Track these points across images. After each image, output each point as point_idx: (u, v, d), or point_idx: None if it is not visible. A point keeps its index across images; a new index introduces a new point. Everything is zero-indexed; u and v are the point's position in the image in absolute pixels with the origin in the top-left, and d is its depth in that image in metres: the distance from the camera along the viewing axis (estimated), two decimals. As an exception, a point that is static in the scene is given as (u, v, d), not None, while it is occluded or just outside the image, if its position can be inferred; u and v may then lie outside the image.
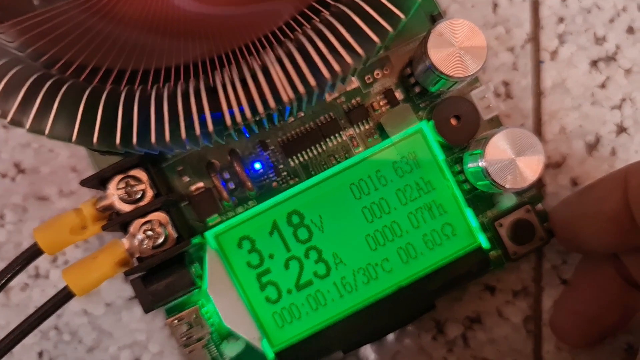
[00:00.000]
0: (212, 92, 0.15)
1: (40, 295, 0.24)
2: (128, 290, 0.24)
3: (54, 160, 0.24)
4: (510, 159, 0.20)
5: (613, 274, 0.21)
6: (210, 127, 0.15)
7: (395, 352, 0.24)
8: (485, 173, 0.20)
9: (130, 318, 0.24)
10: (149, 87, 0.15)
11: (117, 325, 0.24)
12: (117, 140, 0.15)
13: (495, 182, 0.20)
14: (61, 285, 0.20)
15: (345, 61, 0.15)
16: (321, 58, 0.15)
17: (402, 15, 0.15)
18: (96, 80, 0.16)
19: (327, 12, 0.16)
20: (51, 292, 0.20)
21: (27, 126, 0.15)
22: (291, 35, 0.16)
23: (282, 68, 0.15)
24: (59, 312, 0.23)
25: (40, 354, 0.24)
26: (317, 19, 0.16)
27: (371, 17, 0.15)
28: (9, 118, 0.15)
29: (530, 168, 0.20)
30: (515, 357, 0.24)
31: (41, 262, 0.24)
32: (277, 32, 0.16)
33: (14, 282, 0.23)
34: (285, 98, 0.15)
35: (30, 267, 0.23)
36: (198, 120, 0.15)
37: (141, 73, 0.16)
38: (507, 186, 0.20)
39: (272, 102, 0.15)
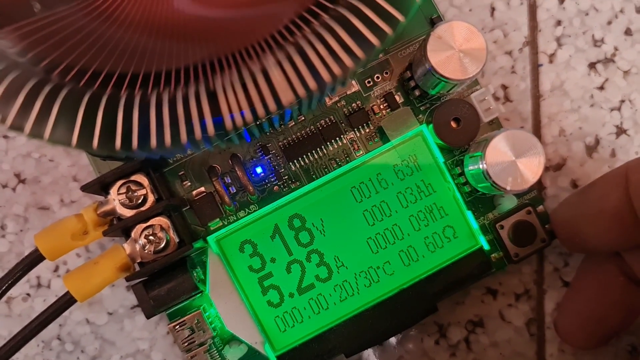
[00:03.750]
0: (212, 96, 0.15)
1: (42, 305, 0.23)
2: (130, 299, 0.24)
3: (54, 170, 0.24)
4: (511, 160, 0.20)
5: (616, 273, 0.21)
6: (211, 131, 0.15)
7: (399, 357, 0.24)
8: (485, 175, 0.20)
9: (132, 326, 0.24)
10: (149, 91, 0.15)
11: (120, 334, 0.24)
12: (118, 145, 0.15)
13: (495, 184, 0.20)
14: (63, 295, 0.20)
15: (344, 64, 0.15)
16: (321, 61, 0.15)
17: (401, 18, 0.15)
18: (96, 84, 0.16)
19: (326, 15, 0.16)
20: (53, 302, 0.20)
21: (27, 131, 0.15)
22: (291, 39, 0.16)
23: (282, 71, 0.15)
24: (61, 321, 0.23)
25: (43, 364, 0.24)
26: (317, 22, 0.16)
27: (370, 20, 0.15)
28: (8, 123, 0.15)
29: (530, 169, 0.20)
30: (518, 361, 0.24)
31: (43, 271, 0.24)
32: (277, 35, 0.16)
33: (16, 293, 0.23)
34: (285, 101, 0.15)
35: (32, 277, 0.24)
36: (199, 124, 0.15)
37: (141, 77, 0.16)
38: (508, 188, 0.20)
39: (272, 105, 0.15)
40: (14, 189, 0.24)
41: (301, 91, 0.15)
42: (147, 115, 0.15)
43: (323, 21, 0.16)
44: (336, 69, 0.15)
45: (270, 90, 0.15)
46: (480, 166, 0.20)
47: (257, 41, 0.16)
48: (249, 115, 0.15)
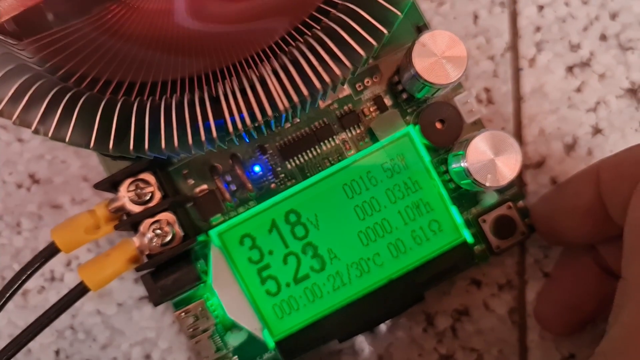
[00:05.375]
0: (215, 102, 0.17)
1: (56, 297, 0.24)
2: (138, 291, 0.25)
3: (66, 170, 0.25)
4: (490, 159, 0.21)
5: (591, 264, 0.22)
6: (214, 133, 0.17)
7: (389, 344, 0.25)
8: (467, 172, 0.21)
9: (140, 317, 0.25)
10: (157, 97, 0.17)
11: (129, 323, 0.25)
12: (131, 147, 0.16)
13: (476, 180, 0.21)
14: (76, 288, 0.21)
15: (334, 72, 0.17)
16: (312, 70, 0.17)
17: (385, 31, 0.17)
18: (109, 91, 0.17)
19: (318, 28, 0.17)
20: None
21: (50, 135, 0.16)
22: (286, 49, 0.17)
23: (278, 79, 0.17)
24: (74, 312, 0.25)
25: (57, 352, 0.25)
26: (309, 34, 0.17)
27: (357, 33, 0.17)
28: (33, 127, 0.16)
29: (508, 167, 0.21)
30: (501, 347, 0.25)
31: (56, 265, 0.25)
32: (274, 46, 0.18)
33: (31, 286, 0.25)
34: (281, 107, 0.17)
35: (46, 271, 0.25)
36: (203, 127, 0.17)
37: (150, 85, 0.17)
38: (487, 184, 0.21)
39: (269, 110, 0.17)
40: (28, 189, 0.25)
41: (295, 98, 0.17)
42: (157, 120, 0.17)
43: (315, 33, 0.17)
44: (327, 77, 0.17)
45: (267, 97, 0.17)
46: (462, 164, 0.21)
47: (255, 52, 0.17)
48: (247, 120, 0.17)
